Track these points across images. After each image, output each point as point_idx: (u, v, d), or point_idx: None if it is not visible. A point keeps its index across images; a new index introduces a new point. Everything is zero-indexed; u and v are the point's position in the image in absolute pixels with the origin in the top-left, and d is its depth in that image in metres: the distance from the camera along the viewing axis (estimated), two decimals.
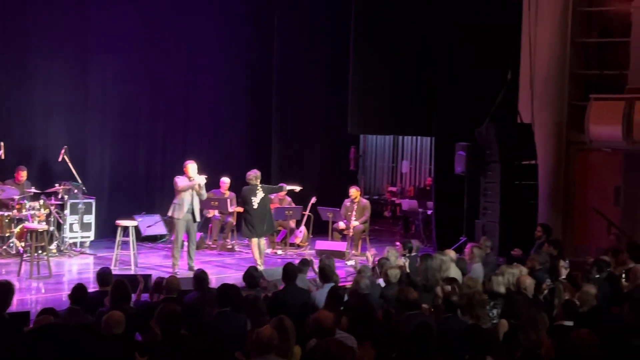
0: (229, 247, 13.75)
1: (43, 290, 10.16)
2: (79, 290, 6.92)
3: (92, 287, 9.24)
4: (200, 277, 7.78)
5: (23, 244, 11.55)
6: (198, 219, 11.66)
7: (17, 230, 12.15)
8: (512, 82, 13.23)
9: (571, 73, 14.16)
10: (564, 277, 8.78)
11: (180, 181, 11.41)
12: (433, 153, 15.32)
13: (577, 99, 14.06)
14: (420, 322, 5.90)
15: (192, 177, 11.40)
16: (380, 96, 14.57)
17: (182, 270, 11.23)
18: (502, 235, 12.37)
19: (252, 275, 8.04)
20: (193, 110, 15.88)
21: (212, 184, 14.00)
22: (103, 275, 7.71)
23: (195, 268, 10.32)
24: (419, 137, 19.36)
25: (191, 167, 11.52)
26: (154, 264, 12.16)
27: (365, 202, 14.29)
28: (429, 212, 15.19)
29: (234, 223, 14.06)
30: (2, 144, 12.25)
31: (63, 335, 1.19)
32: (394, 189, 19.71)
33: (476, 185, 13.18)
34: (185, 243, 11.85)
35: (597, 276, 8.62)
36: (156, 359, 5.24)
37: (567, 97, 14.14)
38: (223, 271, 11.75)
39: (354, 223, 13.71)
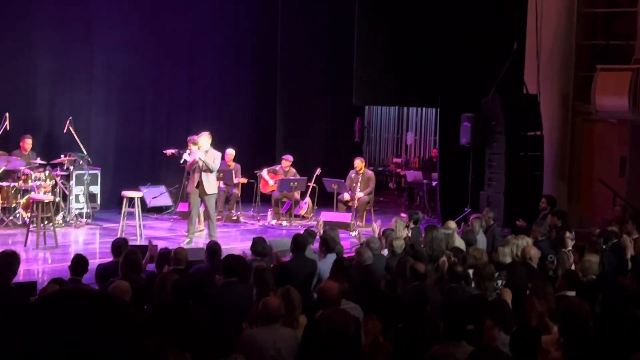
0: (234, 218, 13.78)
1: (50, 261, 10.21)
2: (78, 261, 6.91)
3: (100, 258, 9.35)
4: (213, 248, 7.78)
5: (29, 214, 11.59)
6: (209, 191, 11.27)
7: (23, 201, 12.19)
8: (517, 52, 13.15)
9: (578, 43, 14.07)
10: (570, 248, 8.79)
11: (189, 157, 11.45)
12: (438, 124, 15.29)
13: (584, 70, 13.99)
14: (416, 289, 5.93)
15: (201, 149, 11.29)
16: (385, 67, 14.51)
17: (194, 244, 11.11)
18: (506, 206, 12.36)
19: (259, 245, 8.07)
20: (198, 83, 15.84)
21: None
22: (118, 246, 7.67)
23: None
24: (423, 109, 19.31)
25: (201, 139, 11.35)
26: (159, 235, 12.20)
27: (370, 173, 14.29)
28: (434, 183, 15.20)
29: (239, 194, 14.10)
30: (7, 115, 12.25)
31: (72, 301, 1.21)
32: (398, 160, 19.69)
33: (481, 157, 13.16)
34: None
35: (604, 247, 8.63)
36: (163, 327, 5.28)
37: (573, 67, 14.05)
38: (228, 242, 11.76)
39: (359, 194, 13.72)
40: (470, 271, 7.27)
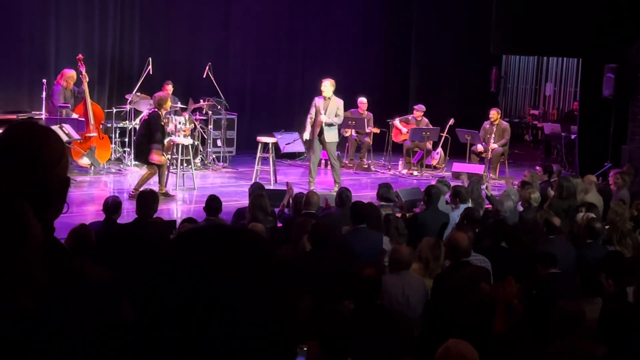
0: (365, 166, 13.86)
1: (189, 202, 10.61)
2: (212, 201, 7.10)
3: (235, 201, 9.61)
4: (345, 194, 7.86)
5: (169, 156, 12.03)
6: (328, 139, 11.27)
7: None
8: None
9: None
10: None
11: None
12: (579, 75, 14.72)
13: None
14: (546, 244, 5.77)
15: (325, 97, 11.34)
16: (525, 14, 13.98)
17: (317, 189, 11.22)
18: None
19: (387, 192, 8.09)
20: (332, 31, 15.88)
21: (350, 104, 14.06)
22: (252, 190, 7.85)
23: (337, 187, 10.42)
24: (564, 59, 18.60)
25: (324, 85, 11.29)
26: (292, 180, 12.40)
27: (505, 124, 13.97)
28: (573, 136, 14.69)
29: (371, 143, 14.11)
30: (150, 59, 12.69)
31: (213, 235, 1.22)
32: (536, 112, 19.15)
33: (624, 110, 12.62)
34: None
35: None
36: (302, 272, 5.39)
37: None
38: (358, 190, 11.82)
39: (493, 146, 13.46)
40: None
